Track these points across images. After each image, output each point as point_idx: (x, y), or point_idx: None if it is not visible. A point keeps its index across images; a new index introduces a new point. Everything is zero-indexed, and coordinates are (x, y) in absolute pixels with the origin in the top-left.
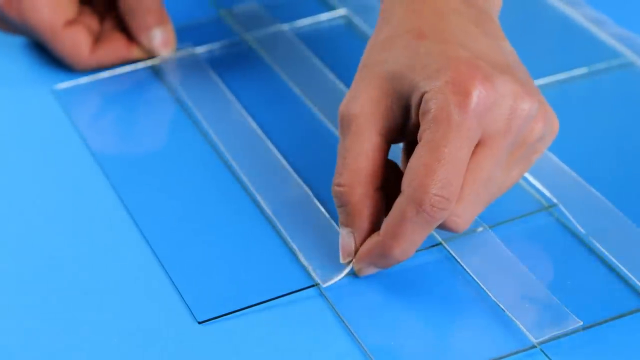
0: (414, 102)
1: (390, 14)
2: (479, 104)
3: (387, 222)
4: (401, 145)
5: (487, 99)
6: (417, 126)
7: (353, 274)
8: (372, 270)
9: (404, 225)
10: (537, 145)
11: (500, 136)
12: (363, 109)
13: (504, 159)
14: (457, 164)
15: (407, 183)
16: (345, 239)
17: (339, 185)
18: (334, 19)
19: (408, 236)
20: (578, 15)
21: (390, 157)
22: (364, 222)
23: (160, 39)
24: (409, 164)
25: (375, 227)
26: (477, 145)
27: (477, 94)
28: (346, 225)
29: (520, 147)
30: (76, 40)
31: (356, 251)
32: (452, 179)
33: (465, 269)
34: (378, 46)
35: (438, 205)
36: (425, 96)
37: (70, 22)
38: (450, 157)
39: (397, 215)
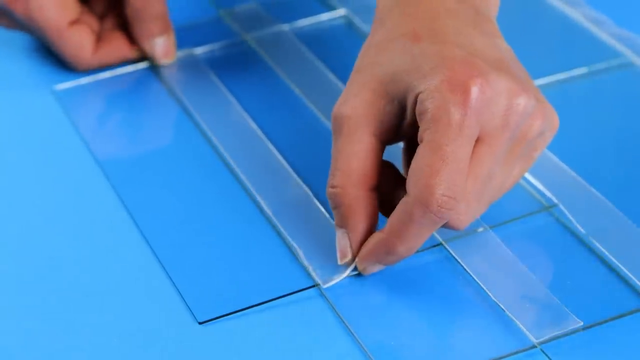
0: (409, 102)
1: (384, 16)
2: (477, 101)
3: (392, 222)
4: (400, 145)
5: (484, 96)
6: (413, 126)
7: (354, 274)
8: (376, 269)
9: (410, 226)
10: (537, 142)
11: (499, 132)
12: (356, 110)
13: (503, 155)
14: (460, 162)
15: (412, 184)
16: (341, 240)
17: (332, 186)
18: (334, 19)
19: (414, 235)
20: (578, 15)
21: (392, 158)
22: (358, 223)
23: (162, 48)
24: (412, 165)
25: (370, 227)
26: (476, 142)
27: (475, 91)
28: (341, 226)
29: (519, 143)
30: (80, 40)
31: (354, 252)
32: (456, 178)
33: (465, 269)
34: (372, 49)
35: (445, 206)
36: (421, 96)
37: (74, 22)
38: (453, 156)
39: (403, 215)
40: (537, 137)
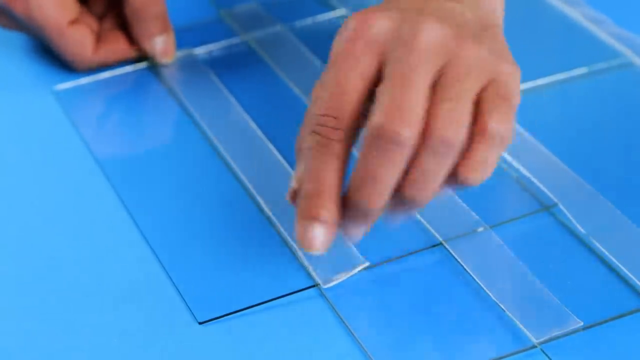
0: None
1: None
2: (354, 25)
3: (353, 173)
4: None
5: (373, 23)
6: None
7: (354, 274)
8: (360, 232)
9: (369, 163)
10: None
11: (404, 55)
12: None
13: (418, 83)
14: (346, 86)
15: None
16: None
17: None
18: (334, 19)
19: (376, 175)
20: (578, 15)
21: None
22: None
23: (162, 47)
24: None
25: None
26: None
27: (358, 19)
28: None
29: (444, 82)
30: (80, 40)
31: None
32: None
33: (465, 269)
34: None
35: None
36: None
37: (74, 22)
38: (345, 83)
39: (360, 158)
40: (474, 74)
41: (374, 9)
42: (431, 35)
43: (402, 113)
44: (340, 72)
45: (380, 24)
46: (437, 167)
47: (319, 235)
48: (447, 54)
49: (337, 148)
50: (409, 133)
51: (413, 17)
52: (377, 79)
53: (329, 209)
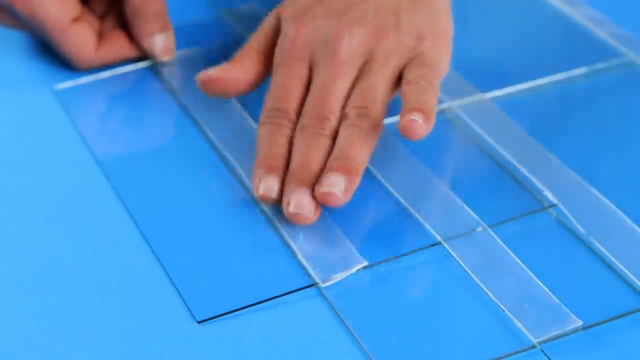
0: None
1: None
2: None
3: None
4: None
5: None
6: None
7: (353, 273)
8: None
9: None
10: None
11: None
12: None
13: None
14: (287, 90)
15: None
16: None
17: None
18: None
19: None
20: (578, 15)
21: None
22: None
23: (162, 46)
24: None
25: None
26: None
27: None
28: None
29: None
30: (82, 38)
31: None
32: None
33: (465, 269)
34: None
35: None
36: None
37: (76, 20)
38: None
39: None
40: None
41: (307, 13)
42: (352, 42)
43: (324, 111)
44: (281, 78)
45: (308, 34)
46: (357, 135)
47: (271, 185)
48: (368, 51)
49: (285, 131)
50: (329, 124)
51: (336, 25)
52: (311, 75)
53: (278, 167)
